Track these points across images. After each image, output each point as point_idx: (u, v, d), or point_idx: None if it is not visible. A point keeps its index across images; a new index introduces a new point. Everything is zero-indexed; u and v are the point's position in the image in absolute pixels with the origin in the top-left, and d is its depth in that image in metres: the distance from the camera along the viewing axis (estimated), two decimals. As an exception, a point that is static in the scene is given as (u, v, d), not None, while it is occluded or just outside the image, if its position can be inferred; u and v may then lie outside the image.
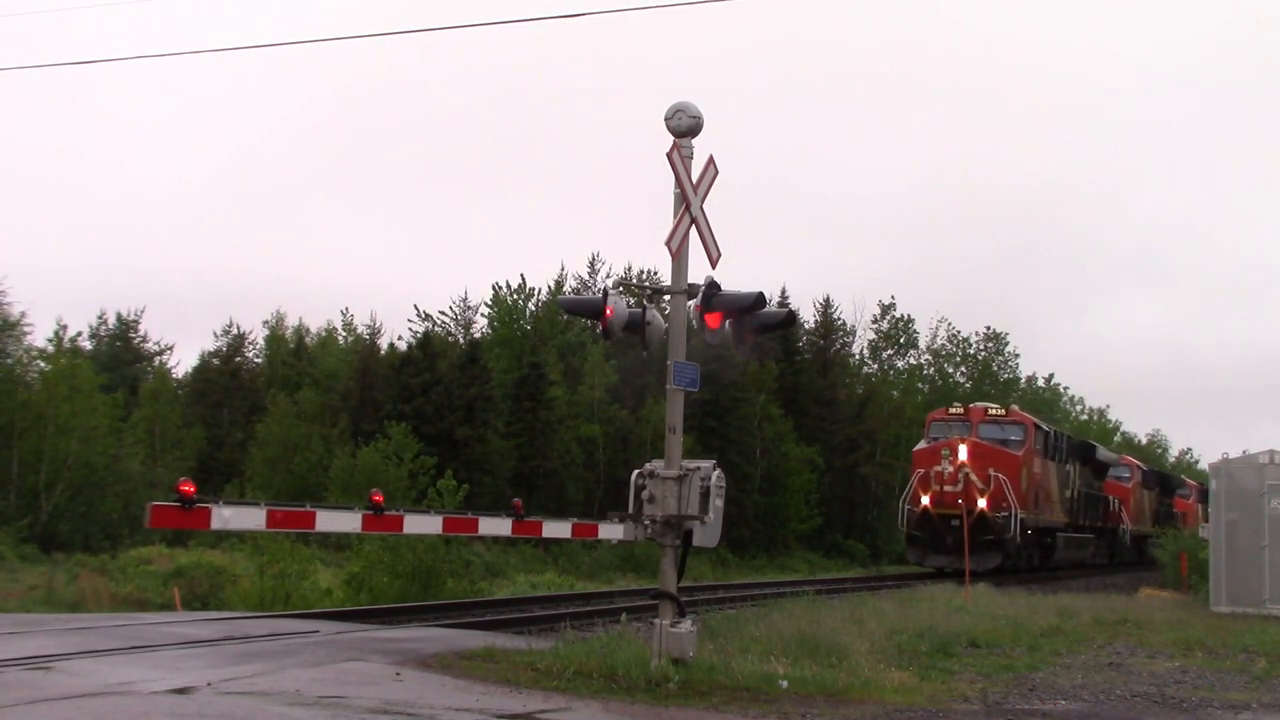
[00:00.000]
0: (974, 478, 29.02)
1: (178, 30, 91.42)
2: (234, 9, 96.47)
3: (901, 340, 70.07)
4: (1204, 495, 56.48)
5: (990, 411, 32.01)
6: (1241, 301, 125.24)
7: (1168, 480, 53.60)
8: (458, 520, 11.06)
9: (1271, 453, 20.91)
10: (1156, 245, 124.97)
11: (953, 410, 32.94)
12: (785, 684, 9.61)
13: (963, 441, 29.67)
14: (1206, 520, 50.40)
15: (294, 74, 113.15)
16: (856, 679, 10.04)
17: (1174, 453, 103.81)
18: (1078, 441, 39.61)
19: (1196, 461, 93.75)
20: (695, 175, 10.46)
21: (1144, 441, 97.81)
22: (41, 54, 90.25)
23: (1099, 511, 39.55)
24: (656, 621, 10.07)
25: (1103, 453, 41.14)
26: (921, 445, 31.50)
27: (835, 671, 10.19)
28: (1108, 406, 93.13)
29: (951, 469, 29.27)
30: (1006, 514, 28.70)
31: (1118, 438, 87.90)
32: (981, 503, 28.51)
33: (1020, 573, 29.33)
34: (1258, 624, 17.65)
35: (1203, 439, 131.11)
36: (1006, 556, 28.79)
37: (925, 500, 29.60)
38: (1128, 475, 44.43)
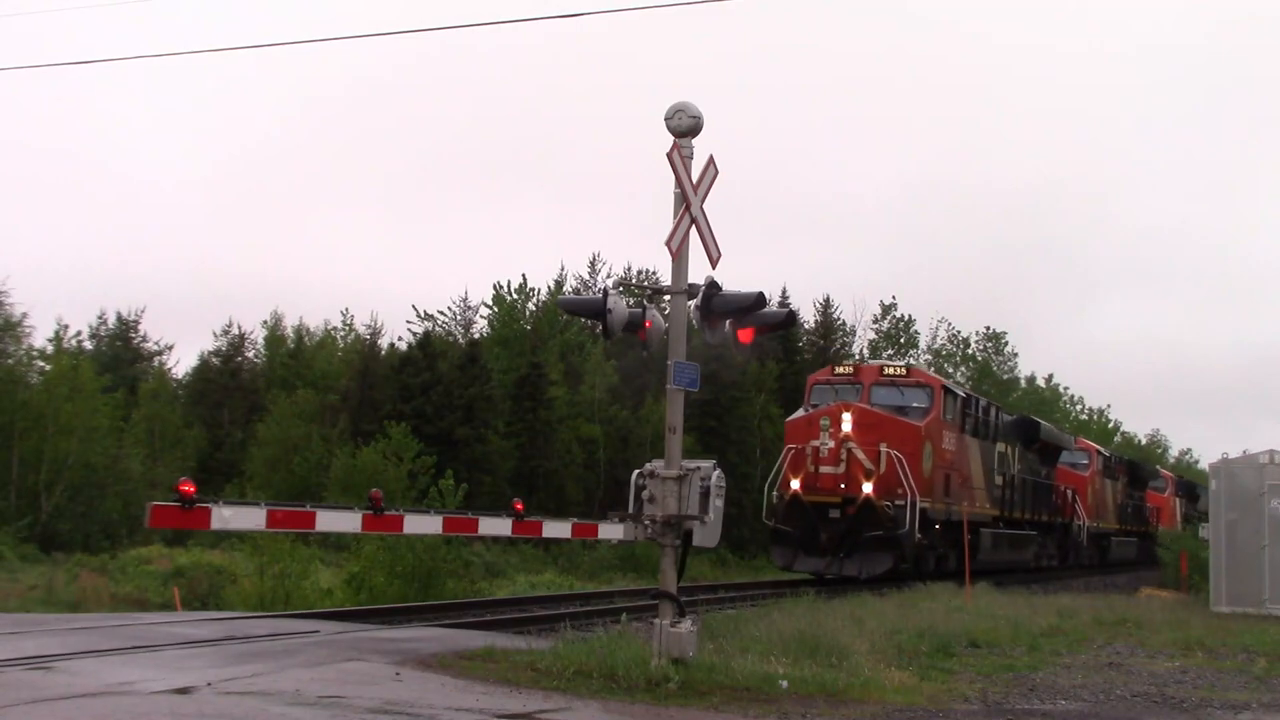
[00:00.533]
0: (860, 455, 22.59)
1: (178, 31, 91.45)
2: (234, 10, 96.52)
3: (902, 340, 70.13)
4: (1183, 488, 54.04)
5: (886, 371, 25.34)
6: (1241, 301, 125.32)
7: (1138, 470, 46.84)
8: (458, 520, 11.06)
9: (1271, 453, 20.91)
10: (1154, 245, 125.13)
11: (839, 370, 26.07)
12: (785, 684, 9.61)
13: (846, 409, 23.07)
14: (1184, 516, 49.13)
15: (294, 75, 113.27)
16: (856, 679, 10.04)
17: (1174, 453, 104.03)
18: (1017, 417, 32.83)
19: (1196, 461, 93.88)
20: (695, 175, 10.45)
21: (1144, 441, 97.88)
22: (41, 54, 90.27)
23: (1046, 503, 32.83)
24: (656, 621, 10.07)
25: (1050, 432, 34.18)
26: (798, 414, 24.56)
27: (835, 671, 10.19)
28: (1108, 406, 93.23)
29: (832, 444, 22.74)
30: (902, 503, 22.31)
31: (1118, 438, 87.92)
32: (867, 487, 22.25)
33: (927, 579, 22.79)
34: (1258, 624, 17.66)
35: (1203, 439, 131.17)
36: (900, 558, 22.59)
37: (795, 484, 23.00)
38: (1085, 461, 38.17)
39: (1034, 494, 31.57)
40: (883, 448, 22.70)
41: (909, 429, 23.36)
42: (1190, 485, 57.05)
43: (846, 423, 22.79)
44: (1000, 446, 28.82)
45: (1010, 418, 31.31)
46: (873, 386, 24.37)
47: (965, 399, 26.86)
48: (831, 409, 23.37)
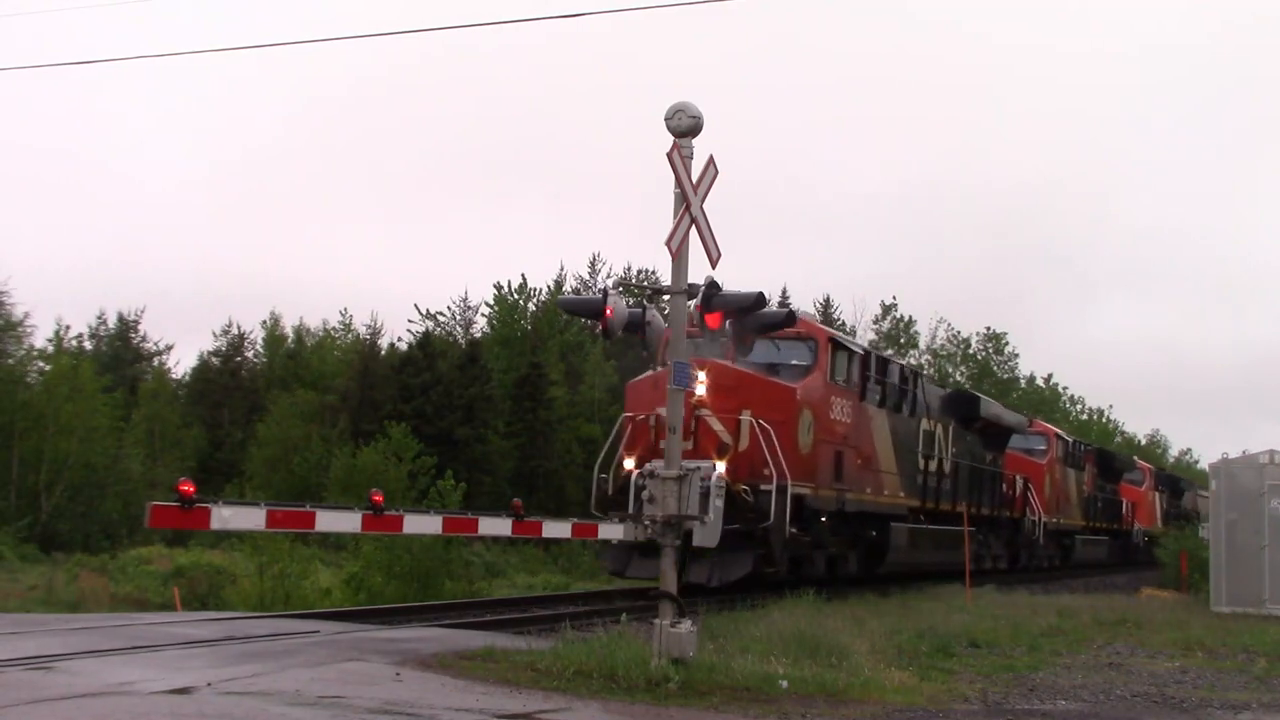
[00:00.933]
0: (715, 425, 17.43)
1: (178, 31, 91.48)
2: (235, 10, 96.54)
3: (902, 340, 70.11)
4: (1164, 482, 49.99)
5: None
6: (1241, 301, 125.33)
7: (1109, 460, 41.38)
8: (458, 520, 11.06)
9: (1271, 453, 20.90)
10: (1154, 246, 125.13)
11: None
12: (785, 684, 9.62)
13: (701, 365, 17.04)
14: (1165, 513, 47.37)
15: (295, 75, 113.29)
16: (857, 679, 10.04)
17: (1174, 452, 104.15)
18: (950, 390, 27.83)
19: (1196, 461, 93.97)
20: (695, 175, 10.47)
21: (1144, 442, 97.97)
22: (42, 54, 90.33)
23: (990, 494, 27.48)
24: (656, 621, 10.07)
25: (994, 409, 28.45)
26: (644, 375, 19.03)
27: (835, 671, 10.19)
28: (1110, 407, 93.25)
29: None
30: (768, 487, 16.95)
31: (1118, 438, 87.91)
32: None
33: (816, 586, 18.00)
34: (1258, 624, 17.65)
35: (1202, 439, 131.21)
36: (766, 559, 17.21)
37: (630, 464, 17.40)
38: (1042, 447, 32.97)
39: (973, 482, 26.11)
40: (745, 416, 17.45)
41: (780, 392, 18.06)
42: (1173, 479, 53.88)
43: (700, 384, 17.32)
44: (926, 424, 23.45)
45: (941, 390, 26.58)
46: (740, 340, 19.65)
47: (866, 357, 21.03)
48: None
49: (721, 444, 17.46)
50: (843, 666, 10.46)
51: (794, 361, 18.80)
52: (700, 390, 17.21)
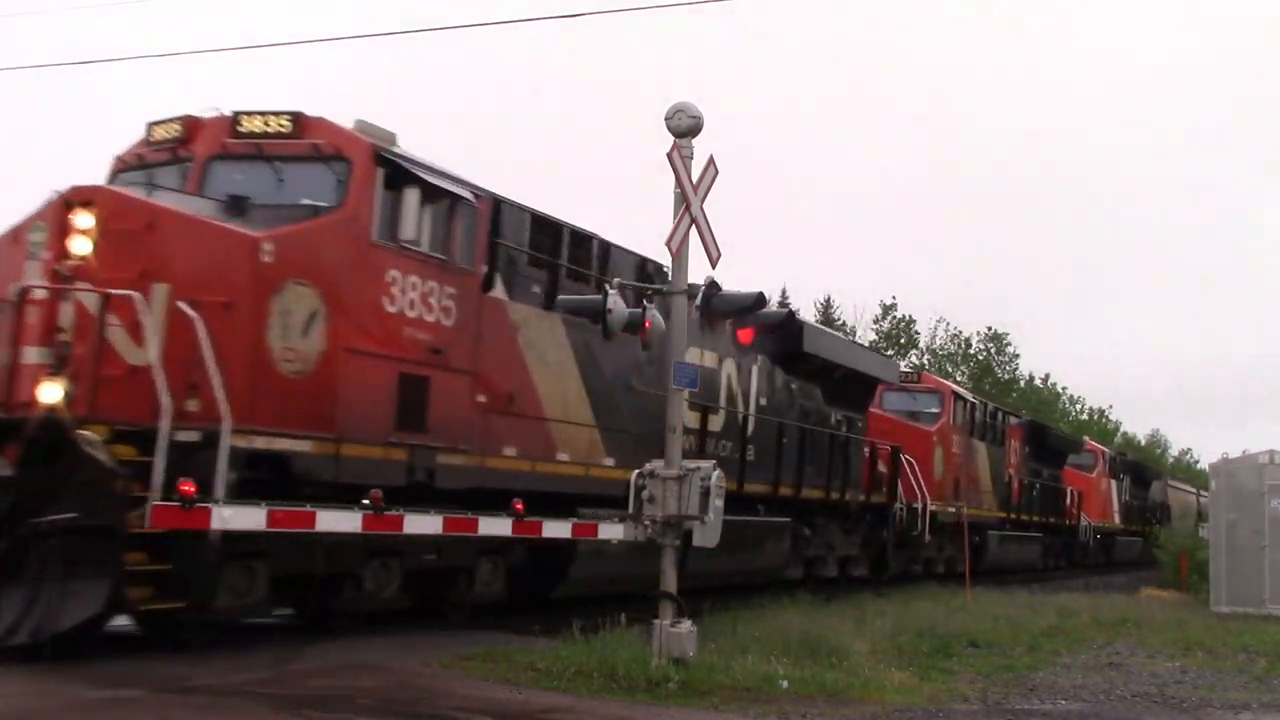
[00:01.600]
0: (112, 317, 9.00)
1: (178, 30, 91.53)
2: (235, 9, 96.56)
3: (903, 340, 69.98)
4: (1126, 469, 42.97)
5: (244, 127, 10.42)
6: (1240, 301, 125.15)
7: (1043, 435, 32.95)
8: (458, 520, 11.05)
9: (1271, 453, 20.90)
10: (1154, 245, 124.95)
11: (160, 133, 10.67)
12: (785, 684, 9.62)
13: (85, 201, 9.21)
14: (1126, 505, 43.56)
15: (294, 75, 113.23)
16: (857, 679, 10.05)
17: (1174, 452, 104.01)
18: (779, 314, 18.24)
19: (1196, 461, 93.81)
20: (695, 175, 10.48)
21: (1144, 442, 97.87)
22: (41, 54, 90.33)
23: (835, 471, 19.29)
24: (656, 621, 10.08)
25: (832, 344, 20.40)
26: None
27: (835, 671, 10.20)
28: (1110, 407, 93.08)
29: (43, 290, 9.14)
30: (188, 438, 8.71)
31: (1119, 438, 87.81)
32: (51, 393, 8.69)
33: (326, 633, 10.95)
34: (1258, 624, 17.66)
35: (1202, 439, 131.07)
36: (191, 584, 8.89)
37: None
38: (934, 410, 24.82)
39: (796, 451, 18.00)
40: (156, 293, 9.21)
41: (228, 244, 9.52)
42: (1137, 466, 46.57)
43: (81, 234, 9.26)
44: (704, 358, 15.26)
45: (767, 315, 16.91)
46: (211, 162, 10.51)
47: (498, 206, 12.25)
48: (49, 208, 9.50)
49: (60, 348, 8.97)
50: (843, 666, 10.47)
51: (304, 199, 10.08)
52: (81, 246, 9.16)
